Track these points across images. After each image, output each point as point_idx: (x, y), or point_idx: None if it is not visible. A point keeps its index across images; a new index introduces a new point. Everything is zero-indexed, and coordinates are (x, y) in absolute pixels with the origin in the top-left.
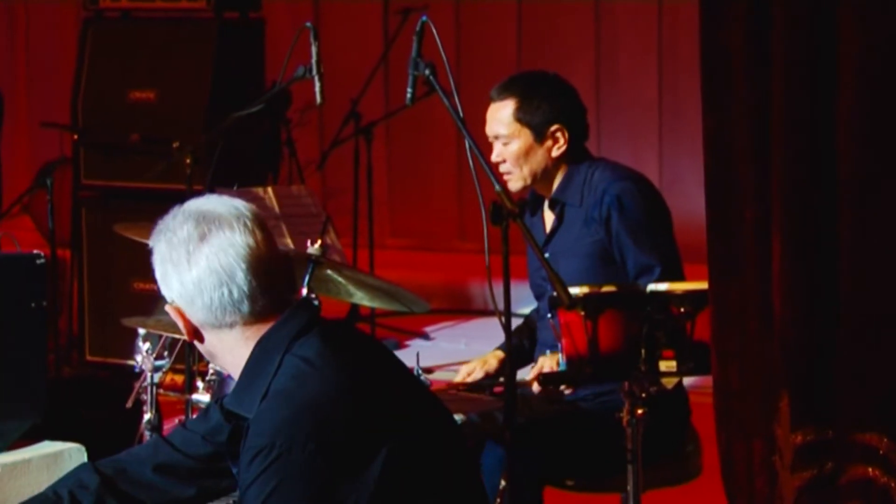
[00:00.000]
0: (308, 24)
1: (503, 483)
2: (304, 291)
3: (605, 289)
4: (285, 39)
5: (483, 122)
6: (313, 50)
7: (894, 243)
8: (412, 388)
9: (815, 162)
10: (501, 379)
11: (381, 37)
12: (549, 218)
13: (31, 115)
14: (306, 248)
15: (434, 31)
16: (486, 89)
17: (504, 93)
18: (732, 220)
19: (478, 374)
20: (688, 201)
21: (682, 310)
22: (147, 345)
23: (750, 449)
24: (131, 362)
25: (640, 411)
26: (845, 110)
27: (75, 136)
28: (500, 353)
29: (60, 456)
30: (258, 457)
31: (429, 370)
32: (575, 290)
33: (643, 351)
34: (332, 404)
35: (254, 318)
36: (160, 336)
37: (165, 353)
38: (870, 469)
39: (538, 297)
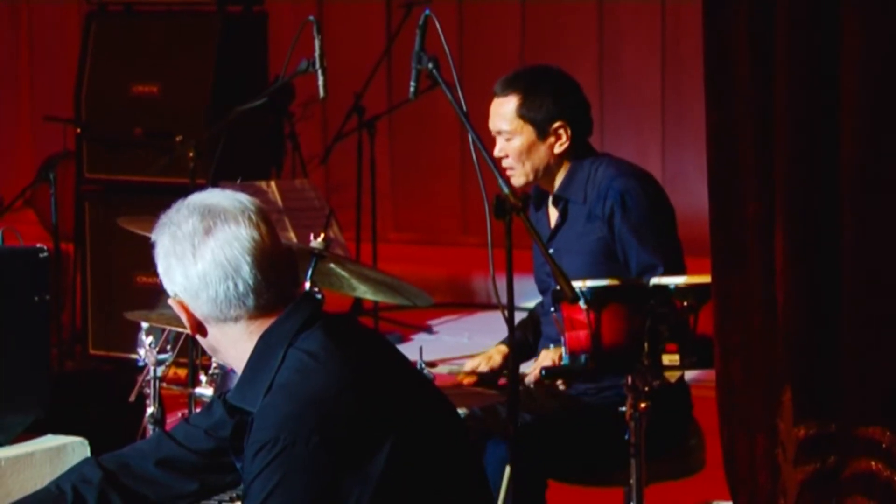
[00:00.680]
0: (311, 17)
1: (506, 477)
2: (308, 285)
3: (609, 283)
4: (288, 33)
5: (486, 116)
6: (316, 44)
7: None
8: (415, 381)
9: (818, 157)
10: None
11: (385, 31)
12: (552, 214)
13: (34, 109)
14: (309, 241)
15: (437, 25)
16: (490, 83)
17: (507, 88)
18: (735, 214)
19: (482, 369)
20: (691, 196)
21: (685, 304)
22: (150, 338)
23: (753, 443)
24: (134, 356)
25: (643, 405)
26: (848, 106)
27: (78, 130)
28: (504, 348)
29: (63, 450)
30: (262, 451)
31: (432, 364)
32: (578, 285)
33: (646, 345)
34: (336, 398)
35: (258, 311)
36: (163, 330)
37: (168, 347)
38: (872, 463)
39: (543, 292)
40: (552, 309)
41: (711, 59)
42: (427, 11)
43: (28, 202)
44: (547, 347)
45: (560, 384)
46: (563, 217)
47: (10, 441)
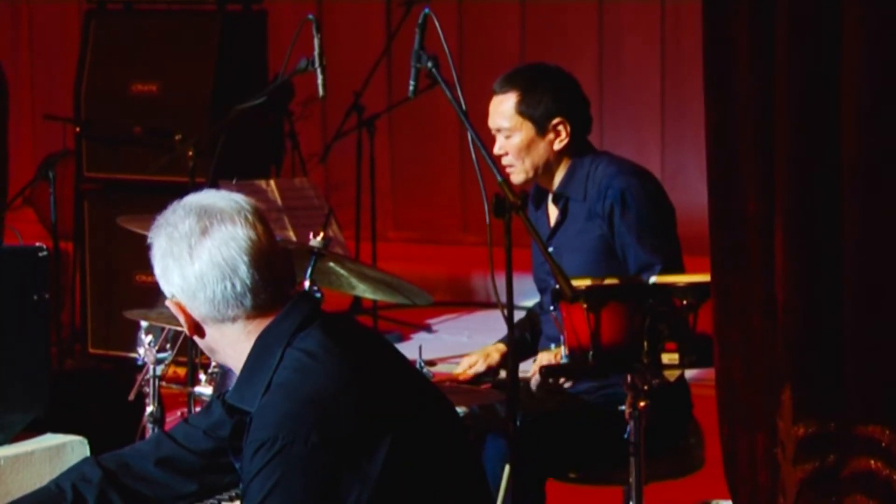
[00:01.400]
0: (310, 16)
1: (506, 475)
2: (307, 284)
3: (608, 281)
4: (288, 32)
5: (486, 114)
6: (316, 42)
7: None
8: (414, 380)
9: (819, 156)
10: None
11: (384, 29)
12: (552, 212)
13: (33, 107)
14: (309, 240)
15: (437, 23)
16: (489, 82)
17: (506, 85)
18: (735, 212)
19: (479, 368)
20: (691, 194)
21: (684, 302)
22: (149, 337)
23: (752, 441)
24: (134, 355)
25: (642, 404)
26: (848, 105)
27: (78, 129)
28: (502, 347)
29: (63, 449)
30: (261, 450)
31: (431, 363)
32: (577, 283)
33: (646, 343)
34: (335, 397)
35: (256, 311)
36: (162, 328)
37: (168, 346)
38: (872, 461)
39: (542, 291)
40: (551, 308)
41: (711, 57)
42: (426, 10)
43: (27, 201)
44: (547, 347)
45: (565, 383)
46: (563, 215)
47: (10, 440)
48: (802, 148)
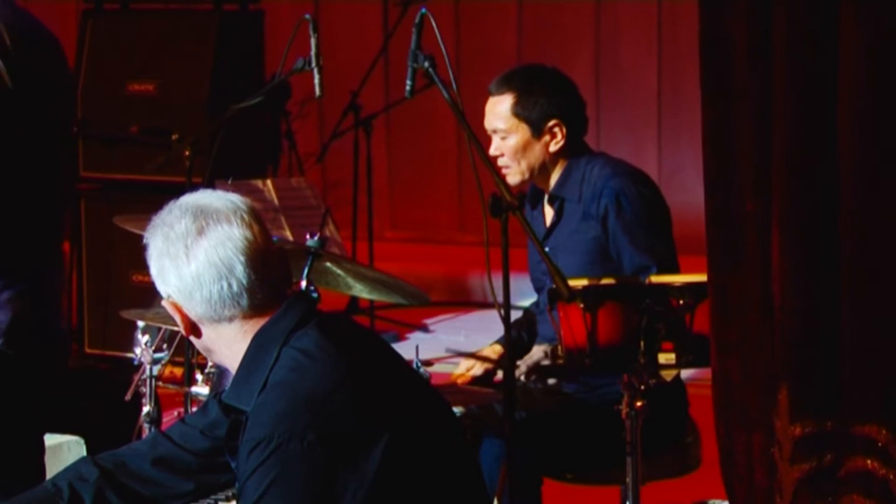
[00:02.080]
0: (307, 16)
1: (502, 475)
2: (304, 284)
3: (605, 281)
4: (285, 31)
5: (482, 114)
6: (313, 42)
7: (894, 234)
8: (410, 380)
9: (816, 153)
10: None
11: (381, 29)
12: (548, 213)
13: None
14: (305, 240)
15: (433, 23)
16: (486, 81)
17: (502, 87)
18: (732, 211)
19: (477, 371)
20: (687, 193)
21: (681, 302)
22: (146, 337)
23: (749, 441)
24: (130, 355)
25: (639, 403)
26: (846, 103)
27: (75, 128)
28: (499, 348)
29: (59, 448)
30: (257, 449)
31: (428, 363)
32: (574, 283)
33: (642, 343)
34: (331, 396)
35: (252, 311)
36: (159, 328)
37: (164, 346)
38: (869, 461)
39: (538, 291)
40: (548, 308)
41: (708, 57)
42: (423, 10)
43: None
44: (540, 345)
45: (549, 381)
46: (558, 216)
47: None
48: (800, 147)
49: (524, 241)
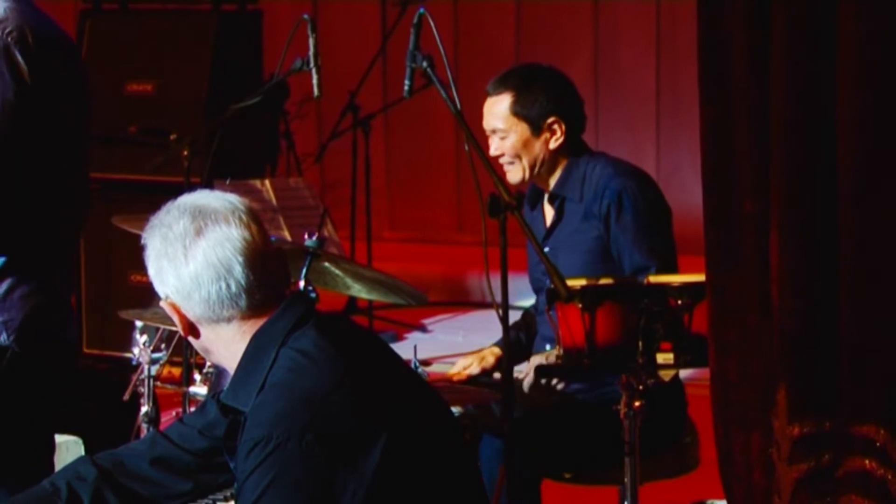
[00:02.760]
0: (306, 16)
1: (501, 475)
2: (302, 284)
3: (603, 281)
4: (283, 31)
5: (481, 114)
6: (311, 42)
7: (893, 235)
8: (409, 380)
9: (815, 153)
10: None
11: (379, 29)
12: (548, 212)
13: None
14: (304, 240)
15: (432, 23)
16: (484, 81)
17: (500, 87)
18: (731, 211)
19: (474, 370)
20: (686, 193)
21: (679, 302)
22: (144, 337)
23: (747, 441)
24: (129, 355)
25: (637, 403)
26: (844, 102)
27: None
28: (497, 350)
29: (58, 448)
30: (255, 449)
31: (426, 362)
32: (573, 283)
33: (641, 343)
34: (329, 395)
35: (251, 311)
36: (157, 328)
37: (163, 346)
38: (867, 461)
39: (537, 291)
40: (547, 308)
41: (706, 55)
42: (422, 10)
43: None
44: (542, 348)
45: (555, 383)
46: (559, 215)
47: None
48: (798, 146)
49: (523, 241)
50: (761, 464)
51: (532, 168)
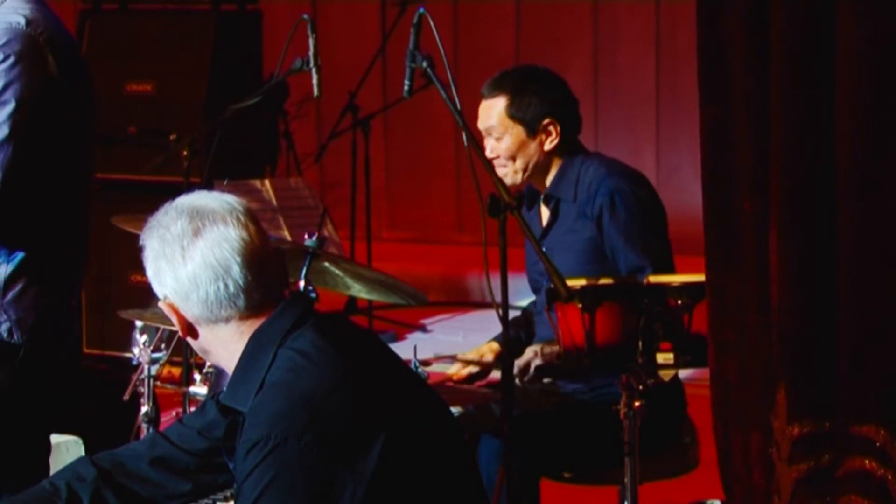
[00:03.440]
0: (305, 16)
1: (500, 475)
2: (302, 284)
3: (603, 281)
4: (283, 32)
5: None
6: (311, 42)
7: (893, 235)
8: (408, 379)
9: (814, 153)
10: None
11: (379, 29)
12: (544, 213)
13: None
14: (304, 240)
15: (432, 23)
16: (484, 81)
17: (495, 89)
18: (730, 211)
19: (474, 368)
20: (685, 193)
21: (679, 302)
22: (144, 337)
23: (747, 441)
24: (128, 355)
25: (637, 404)
26: (844, 102)
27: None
28: (496, 346)
29: (58, 448)
30: (254, 449)
31: (426, 363)
32: (572, 283)
33: (640, 343)
34: (328, 395)
35: (249, 312)
36: (157, 328)
37: (162, 346)
38: (867, 461)
39: (535, 291)
40: (546, 308)
41: (706, 54)
42: (421, 10)
43: None
44: (532, 346)
45: (546, 381)
46: (554, 216)
47: None
48: (797, 146)
49: (522, 241)
50: (761, 464)
51: (526, 170)
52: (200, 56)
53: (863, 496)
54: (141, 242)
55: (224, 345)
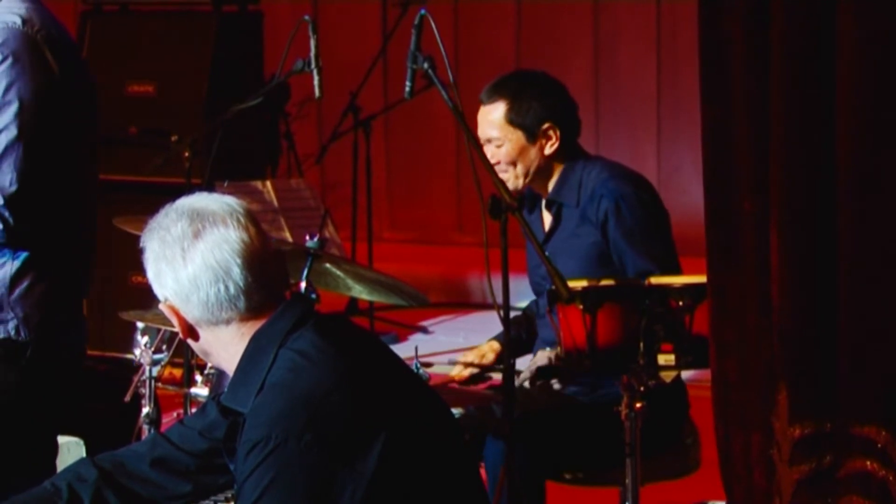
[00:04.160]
0: (306, 17)
1: (502, 476)
2: (303, 285)
3: (604, 282)
4: (284, 33)
5: None
6: (312, 43)
7: (893, 235)
8: (408, 380)
9: (815, 153)
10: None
11: (380, 30)
12: (546, 217)
13: None
14: (305, 241)
15: (433, 24)
16: (485, 83)
17: (494, 95)
18: (731, 212)
19: (475, 369)
20: (686, 194)
21: (680, 303)
22: (145, 338)
23: (748, 442)
24: (130, 356)
25: (638, 405)
26: (844, 102)
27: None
28: (497, 345)
29: (59, 449)
30: (254, 450)
31: (428, 364)
32: (574, 284)
33: (642, 345)
34: (328, 396)
35: (249, 313)
36: (159, 329)
37: (164, 347)
38: (868, 462)
39: (537, 294)
40: (548, 310)
41: (707, 56)
42: (423, 11)
43: None
44: (543, 349)
45: (555, 383)
46: (556, 221)
47: None
48: (798, 147)
49: (523, 242)
50: (762, 464)
51: (527, 175)
52: (201, 57)
53: (864, 497)
54: (141, 244)
55: (224, 346)
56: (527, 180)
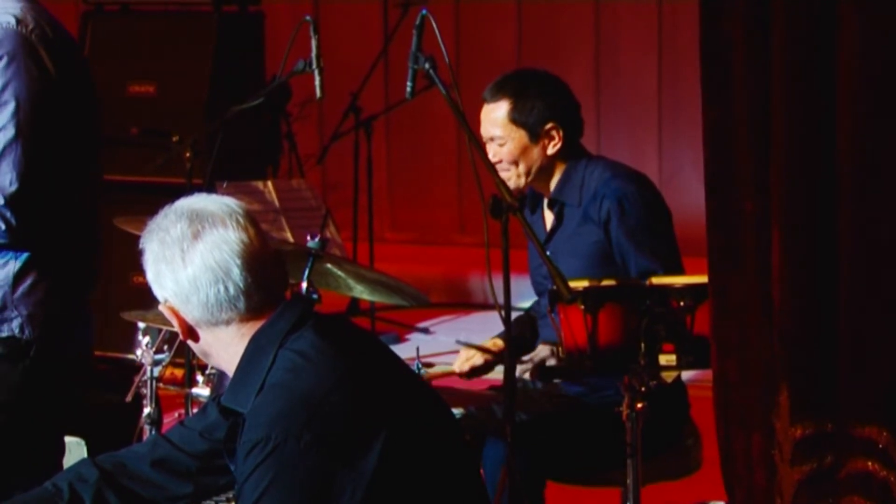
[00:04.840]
0: (308, 17)
1: (503, 477)
2: (304, 285)
3: (605, 283)
4: (285, 33)
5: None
6: (313, 43)
7: (893, 235)
8: (408, 380)
9: (815, 154)
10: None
11: (381, 30)
12: (548, 217)
13: None
14: (306, 241)
15: (434, 24)
16: (486, 83)
17: (497, 94)
18: (732, 212)
19: (477, 361)
20: (688, 194)
21: (681, 303)
22: (147, 338)
23: (749, 442)
24: (131, 356)
25: (639, 405)
26: (845, 103)
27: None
28: (500, 342)
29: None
30: (254, 450)
31: (429, 364)
32: (575, 284)
33: (643, 345)
34: (328, 396)
35: (249, 314)
36: (160, 330)
37: (165, 347)
38: (869, 463)
39: (539, 294)
40: (549, 310)
41: (708, 57)
42: (424, 11)
43: None
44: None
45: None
46: (558, 220)
47: None
48: (799, 147)
49: (524, 242)
50: (763, 465)
51: (530, 174)
52: (202, 57)
53: (865, 498)
54: (141, 246)
55: (224, 347)
56: (528, 180)
